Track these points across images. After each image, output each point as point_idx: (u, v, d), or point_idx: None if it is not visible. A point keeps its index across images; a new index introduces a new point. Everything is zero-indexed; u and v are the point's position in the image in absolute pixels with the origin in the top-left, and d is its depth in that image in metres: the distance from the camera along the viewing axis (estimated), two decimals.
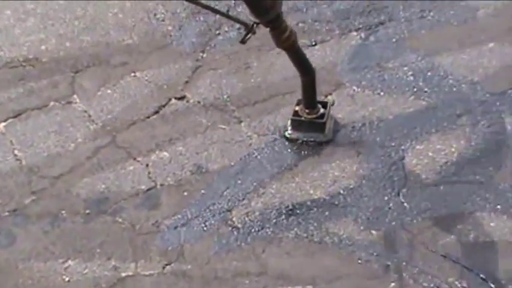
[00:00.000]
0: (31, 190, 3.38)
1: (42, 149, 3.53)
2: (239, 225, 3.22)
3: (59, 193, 3.37)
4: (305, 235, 3.16)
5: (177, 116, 3.66)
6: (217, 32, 4.03)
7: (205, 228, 3.22)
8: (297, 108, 3.56)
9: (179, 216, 3.27)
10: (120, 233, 3.22)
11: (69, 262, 3.11)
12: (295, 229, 3.19)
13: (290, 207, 3.27)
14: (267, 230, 3.19)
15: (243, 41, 3.07)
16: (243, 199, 3.32)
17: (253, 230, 3.20)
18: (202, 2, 3.00)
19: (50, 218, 3.27)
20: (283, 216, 3.24)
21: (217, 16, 4.07)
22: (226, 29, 4.05)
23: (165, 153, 3.52)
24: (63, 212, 3.30)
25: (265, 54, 3.91)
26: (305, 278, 3.00)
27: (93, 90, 3.78)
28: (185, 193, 3.36)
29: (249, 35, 3.05)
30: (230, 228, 3.21)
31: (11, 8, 4.14)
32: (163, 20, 4.10)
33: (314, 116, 3.53)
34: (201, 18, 4.09)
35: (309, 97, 3.49)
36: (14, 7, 4.12)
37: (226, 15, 3.20)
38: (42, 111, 3.69)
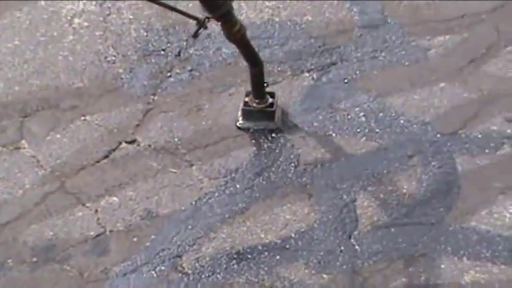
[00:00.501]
0: None
1: None
2: (189, 271, 3.17)
3: (5, 241, 3.29)
4: (256, 280, 3.12)
5: (128, 160, 3.61)
6: (169, 74, 4.00)
7: (154, 275, 3.16)
8: (246, 99, 3.74)
9: (128, 262, 3.21)
10: (68, 281, 3.15)
11: None
12: (246, 274, 3.15)
13: (241, 251, 3.23)
14: (218, 275, 3.15)
15: (195, 35, 3.18)
16: (194, 244, 3.27)
17: (203, 276, 3.15)
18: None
19: None
20: (234, 261, 3.20)
21: (169, 58, 4.07)
22: (177, 71, 4.02)
23: (115, 198, 3.46)
24: (9, 260, 3.22)
25: (216, 96, 3.89)
26: None
27: (42, 135, 3.72)
28: (135, 239, 3.30)
29: (200, 29, 3.16)
30: (180, 275, 3.16)
31: None
32: (114, 63, 4.07)
33: (263, 105, 3.72)
34: (153, 61, 4.06)
35: (258, 88, 3.68)
36: None
37: (178, 11, 3.17)
38: None
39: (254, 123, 3.74)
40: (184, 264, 3.20)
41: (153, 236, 3.31)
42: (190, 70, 4.02)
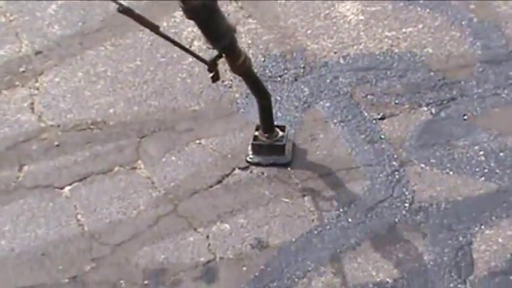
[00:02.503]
0: (91, 257, 3.36)
1: (104, 215, 3.52)
2: None
3: (118, 261, 3.35)
4: None
5: (240, 187, 3.62)
6: (284, 101, 3.99)
7: None
8: (256, 133, 3.72)
9: None
10: None
11: None
12: None
13: None
14: None
15: (213, 80, 3.14)
16: (303, 277, 3.24)
17: None
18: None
19: (109, 287, 3.25)
20: None
21: (285, 84, 4.05)
22: (294, 97, 4.01)
23: (226, 225, 3.47)
24: (122, 281, 3.27)
25: (331, 126, 3.85)
26: None
27: (158, 156, 3.78)
28: (244, 268, 3.30)
29: (213, 73, 3.09)
30: None
31: (83, 70, 4.18)
32: (230, 87, 4.09)
33: (273, 139, 3.69)
34: (269, 87, 4.05)
35: (267, 121, 3.65)
36: (85, 69, 4.16)
37: (187, 50, 3.08)
38: (106, 176, 3.69)
39: (264, 157, 3.71)
40: None
41: (262, 267, 3.30)
42: (304, 97, 4.00)
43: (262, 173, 3.67)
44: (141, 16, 2.64)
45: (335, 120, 3.89)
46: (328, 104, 3.98)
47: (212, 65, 3.06)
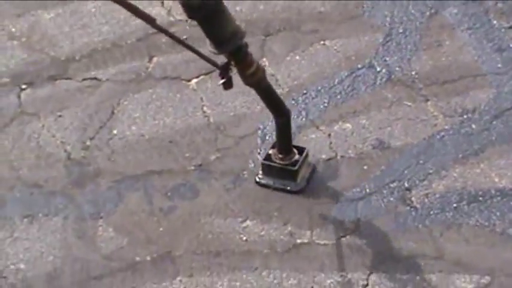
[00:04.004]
0: (216, 147, 3.47)
1: (229, 108, 3.61)
2: (418, 206, 3.17)
3: (242, 153, 3.44)
4: (486, 224, 3.07)
5: (363, 88, 3.63)
6: (410, 5, 3.94)
7: (383, 205, 3.19)
8: (270, 151, 3.31)
9: (357, 189, 3.26)
10: (298, 200, 3.25)
11: (248, 222, 3.18)
12: (476, 216, 3.10)
13: (473, 193, 3.19)
14: (447, 213, 3.13)
15: (225, 87, 2.81)
16: (424, 180, 3.26)
17: (431, 212, 3.14)
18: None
19: (233, 176, 3.35)
20: (465, 202, 3.16)
21: None
22: (420, 2, 3.96)
23: (348, 124, 3.51)
24: (245, 172, 3.36)
25: (459, 33, 3.80)
26: (483, 268, 2.92)
27: (282, 55, 3.82)
28: (365, 167, 3.34)
29: (224, 79, 2.77)
30: (408, 208, 3.17)
31: None
32: None
33: (286, 162, 3.27)
34: None
35: (283, 141, 3.25)
36: None
37: (200, 54, 2.73)
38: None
39: (274, 180, 3.31)
40: (413, 198, 3.20)
41: (383, 167, 3.33)
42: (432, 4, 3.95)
43: (386, 76, 3.66)
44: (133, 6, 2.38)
45: (462, 28, 3.84)
46: (455, 11, 3.92)
47: (224, 70, 2.75)
